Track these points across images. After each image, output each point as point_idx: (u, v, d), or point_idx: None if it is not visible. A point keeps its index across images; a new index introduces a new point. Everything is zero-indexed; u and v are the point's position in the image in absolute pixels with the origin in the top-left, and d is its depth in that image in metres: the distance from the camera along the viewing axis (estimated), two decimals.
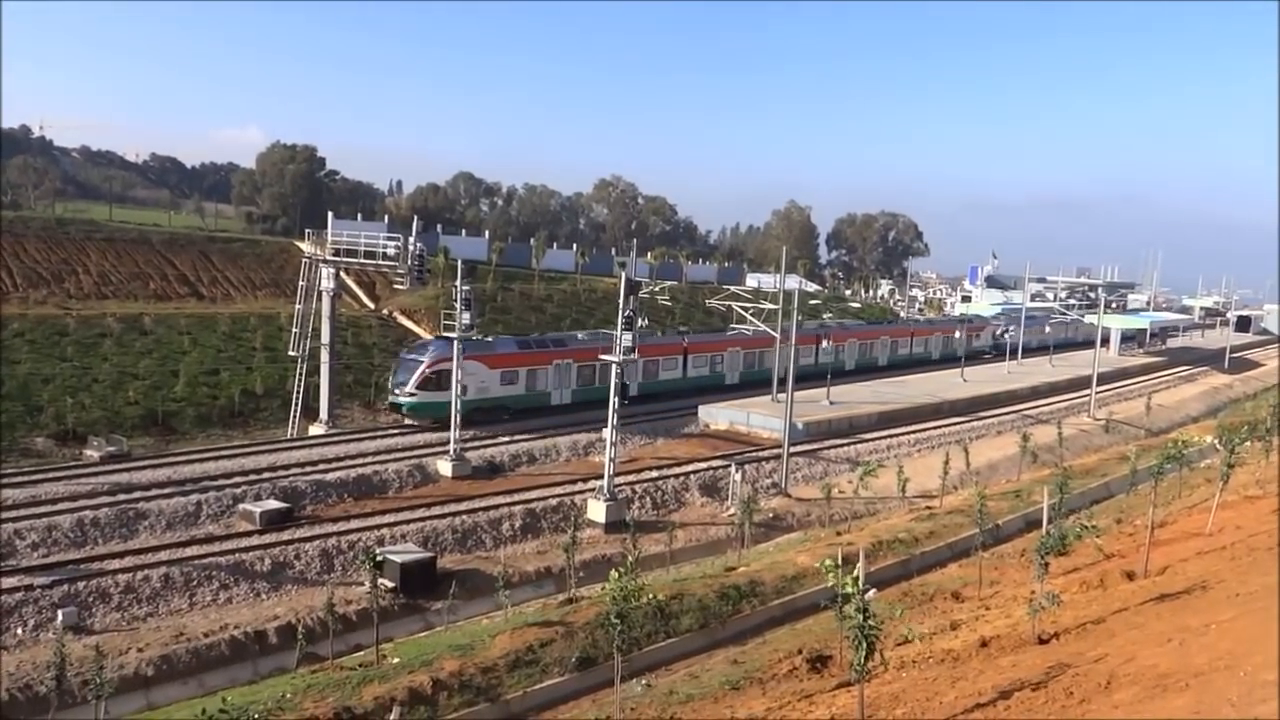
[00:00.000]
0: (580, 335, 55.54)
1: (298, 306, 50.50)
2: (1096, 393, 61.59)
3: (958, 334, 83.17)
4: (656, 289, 66.36)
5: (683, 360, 58.40)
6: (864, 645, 13.35)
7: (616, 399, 35.45)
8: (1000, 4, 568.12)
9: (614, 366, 35.57)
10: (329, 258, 50.13)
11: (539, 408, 49.41)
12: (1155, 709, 10.87)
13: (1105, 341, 77.14)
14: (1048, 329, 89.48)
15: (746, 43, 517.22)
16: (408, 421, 47.24)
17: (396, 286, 59.63)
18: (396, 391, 46.48)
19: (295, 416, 46.36)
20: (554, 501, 36.63)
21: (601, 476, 36.09)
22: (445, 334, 46.19)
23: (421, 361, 45.99)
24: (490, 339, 51.57)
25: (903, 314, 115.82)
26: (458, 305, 40.57)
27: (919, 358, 79.79)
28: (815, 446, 47.25)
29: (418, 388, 45.30)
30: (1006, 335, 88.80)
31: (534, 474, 41.04)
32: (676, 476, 41.04)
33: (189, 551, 29.38)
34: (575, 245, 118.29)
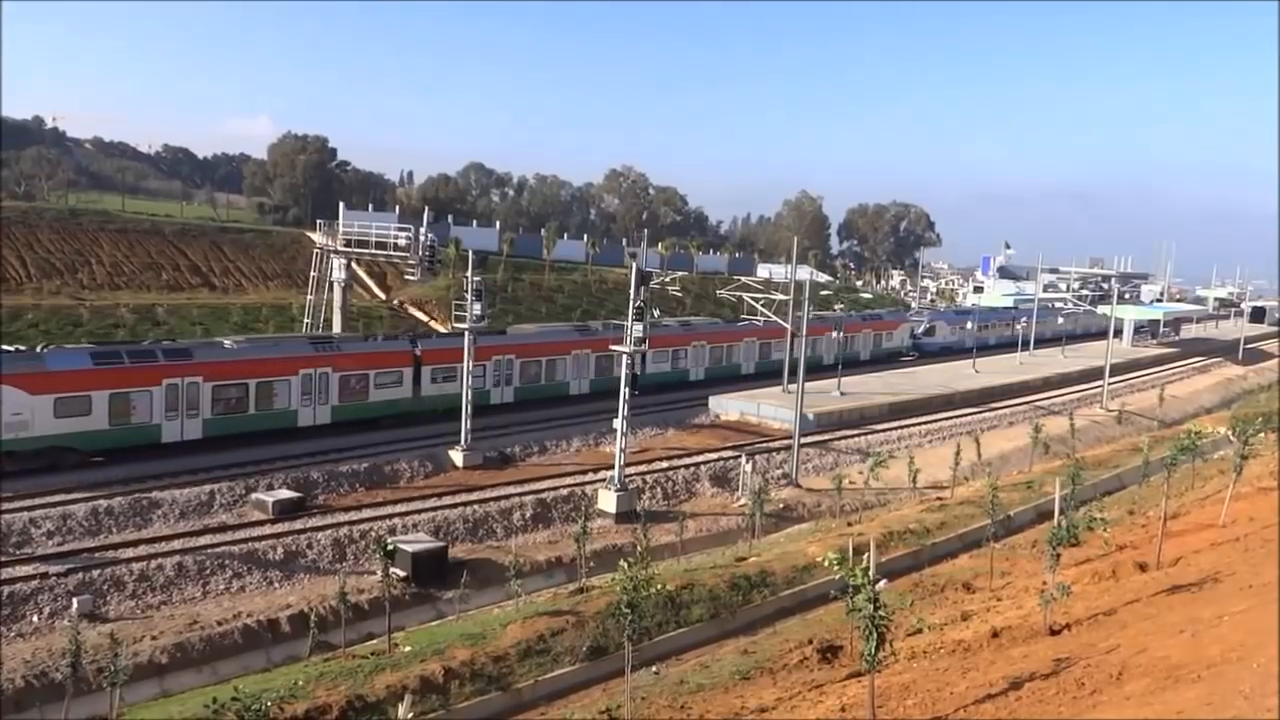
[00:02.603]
0: (229, 343, 41.00)
1: (309, 297, 50.76)
2: (1109, 384, 61.32)
3: (862, 334, 71.49)
4: (667, 279, 66.33)
5: (413, 373, 44.73)
6: (874, 636, 13.33)
7: (626, 389, 35.47)
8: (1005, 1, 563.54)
9: (624, 358, 35.59)
10: (340, 248, 50.35)
11: (144, 445, 36.31)
12: (1167, 700, 10.84)
13: (1118, 333, 76.61)
14: (1060, 320, 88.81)
15: (756, 33, 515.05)
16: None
17: (408, 277, 59.79)
18: None
19: None
20: (565, 491, 36.73)
21: (612, 467, 36.14)
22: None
23: None
24: (45, 349, 37.19)
25: (914, 305, 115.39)
26: (468, 296, 40.56)
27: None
28: (826, 437, 47.21)
29: None
30: (935, 334, 79.40)
31: (545, 464, 41.12)
32: (687, 467, 41.07)
33: (202, 540, 29.56)
34: (586, 236, 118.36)
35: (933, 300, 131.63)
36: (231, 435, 38.39)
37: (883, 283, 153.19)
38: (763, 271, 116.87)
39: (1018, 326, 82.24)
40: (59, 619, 24.38)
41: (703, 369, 59.20)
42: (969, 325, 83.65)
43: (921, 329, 79.28)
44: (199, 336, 56.14)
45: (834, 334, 64.41)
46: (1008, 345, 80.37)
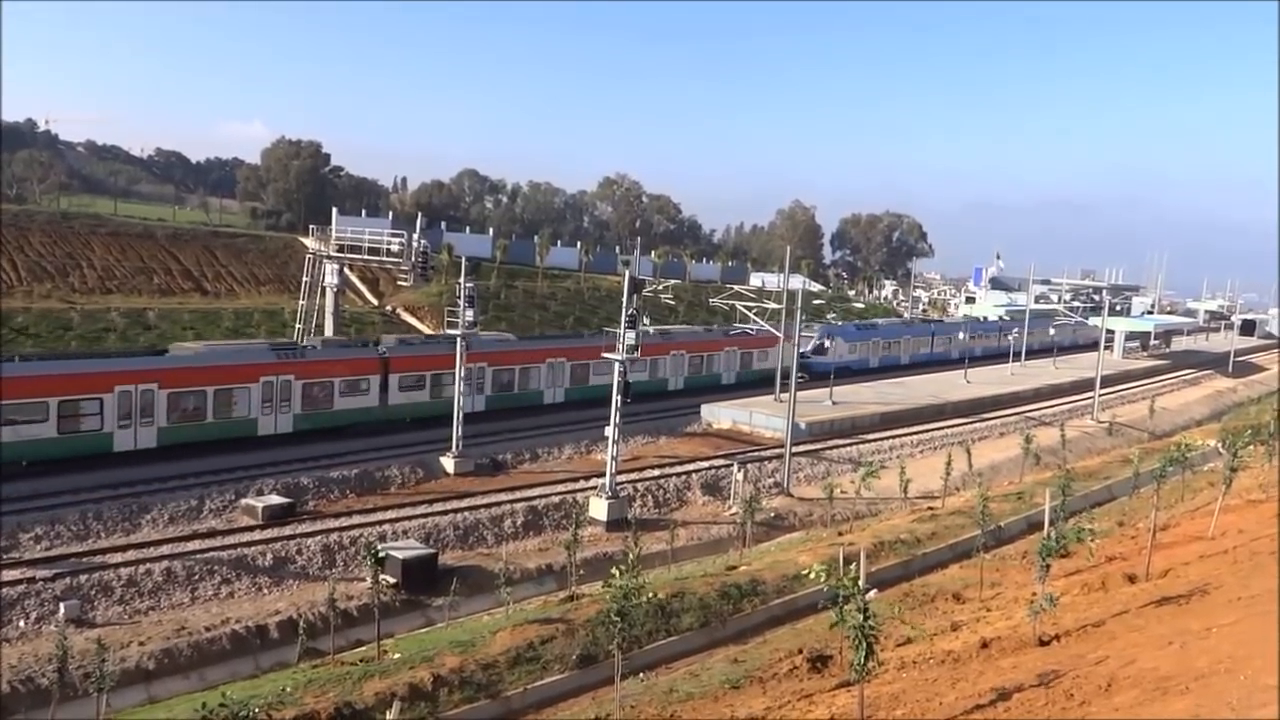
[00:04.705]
0: None
1: (301, 302, 50.60)
2: (1100, 395, 61.53)
3: (723, 353, 58.75)
4: (660, 287, 66.38)
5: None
6: (864, 646, 13.34)
7: (619, 397, 35.48)
8: (1005, 4, 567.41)
9: (616, 365, 35.59)
10: (333, 254, 50.24)
11: None
12: (1155, 711, 10.86)
13: (1109, 344, 76.78)
14: (1052, 331, 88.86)
15: (751, 43, 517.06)
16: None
17: (400, 283, 59.75)
18: None
19: None
20: (556, 499, 36.67)
21: (603, 474, 36.11)
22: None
23: None
24: None
25: (905, 314, 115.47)
26: (461, 302, 40.54)
27: (636, 387, 47.35)
28: (817, 446, 47.25)
29: None
30: (827, 352, 66.75)
31: (536, 471, 41.06)
32: (678, 475, 41.06)
33: (191, 545, 29.42)
34: (579, 243, 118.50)
35: (924, 310, 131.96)
36: None
37: (875, 292, 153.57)
38: (756, 280, 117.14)
39: (960, 340, 76.76)
40: (46, 624, 24.22)
41: (483, 397, 47.46)
42: (875, 342, 74.25)
43: (810, 346, 65.17)
44: (190, 341, 56.09)
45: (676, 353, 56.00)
46: (925, 364, 73.86)
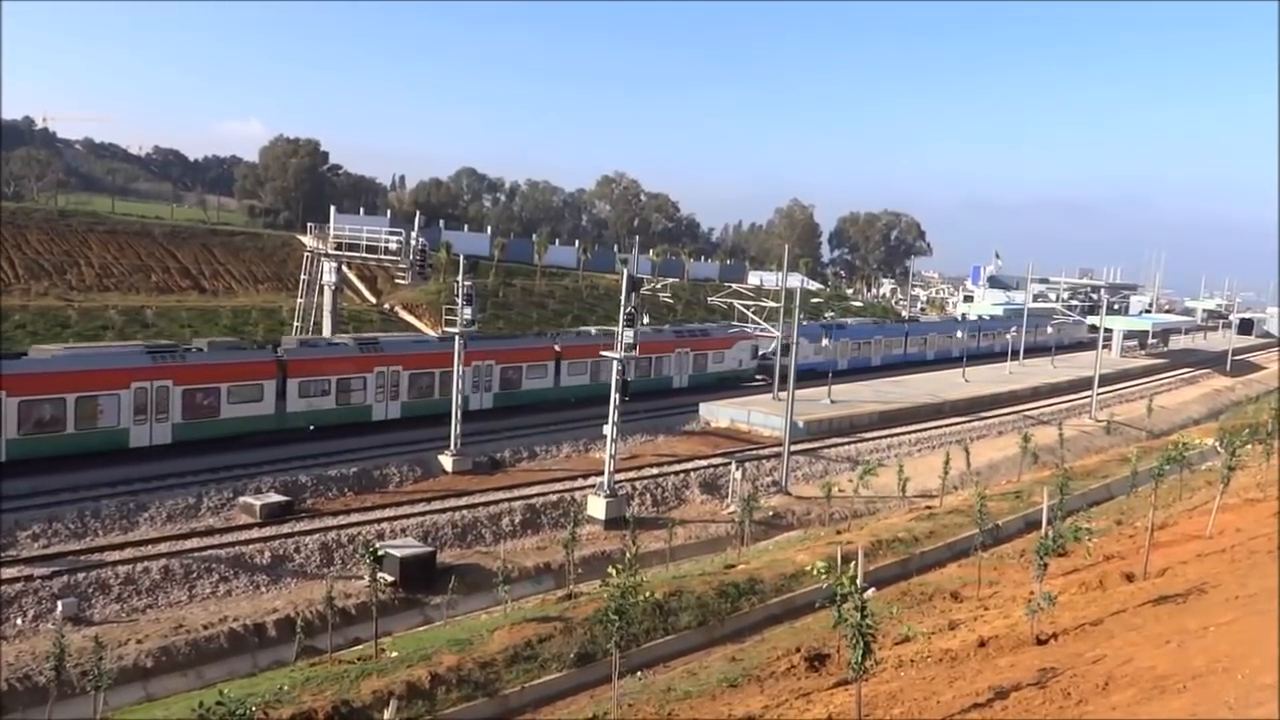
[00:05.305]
0: None
1: (299, 300, 50.63)
2: (1098, 394, 61.59)
3: (674, 354, 56.01)
4: (658, 286, 66.37)
5: None
6: (861, 644, 13.36)
7: (617, 395, 35.47)
8: (1003, 5, 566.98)
9: (615, 363, 35.57)
10: (331, 252, 50.20)
11: None
12: (1153, 710, 10.87)
13: (1107, 343, 76.72)
14: (1050, 330, 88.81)
15: (749, 42, 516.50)
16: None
17: (399, 281, 59.78)
18: None
19: None
20: (554, 497, 36.67)
21: (602, 473, 36.10)
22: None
23: None
24: None
25: (904, 313, 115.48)
26: (459, 301, 40.50)
27: (575, 392, 49.83)
28: (816, 445, 47.26)
29: None
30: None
31: (534, 469, 41.05)
32: (677, 474, 41.06)
33: (189, 544, 29.38)
34: (577, 241, 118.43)
35: (923, 309, 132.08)
36: None
37: (873, 291, 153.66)
38: (754, 279, 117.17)
39: (936, 340, 75.88)
40: (43, 622, 24.20)
41: (398, 404, 44.34)
42: (843, 342, 70.53)
43: (771, 347, 59.42)
44: (188, 339, 56.05)
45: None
46: (899, 366, 72.03)
